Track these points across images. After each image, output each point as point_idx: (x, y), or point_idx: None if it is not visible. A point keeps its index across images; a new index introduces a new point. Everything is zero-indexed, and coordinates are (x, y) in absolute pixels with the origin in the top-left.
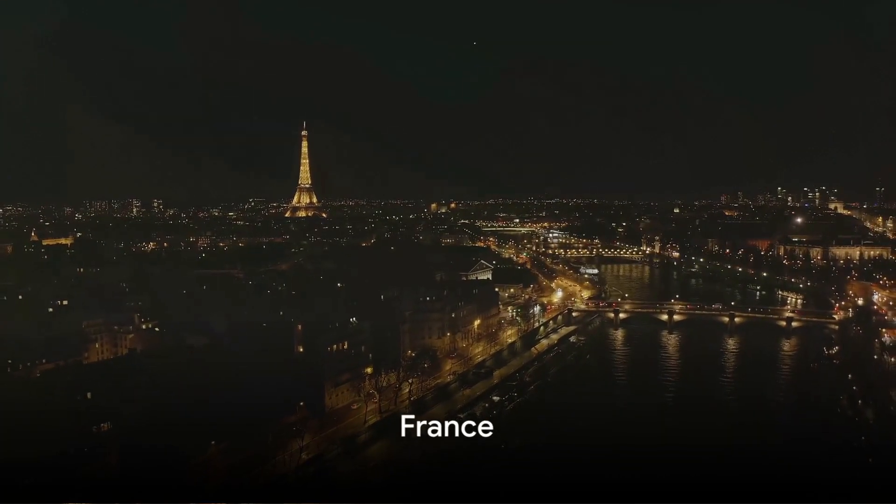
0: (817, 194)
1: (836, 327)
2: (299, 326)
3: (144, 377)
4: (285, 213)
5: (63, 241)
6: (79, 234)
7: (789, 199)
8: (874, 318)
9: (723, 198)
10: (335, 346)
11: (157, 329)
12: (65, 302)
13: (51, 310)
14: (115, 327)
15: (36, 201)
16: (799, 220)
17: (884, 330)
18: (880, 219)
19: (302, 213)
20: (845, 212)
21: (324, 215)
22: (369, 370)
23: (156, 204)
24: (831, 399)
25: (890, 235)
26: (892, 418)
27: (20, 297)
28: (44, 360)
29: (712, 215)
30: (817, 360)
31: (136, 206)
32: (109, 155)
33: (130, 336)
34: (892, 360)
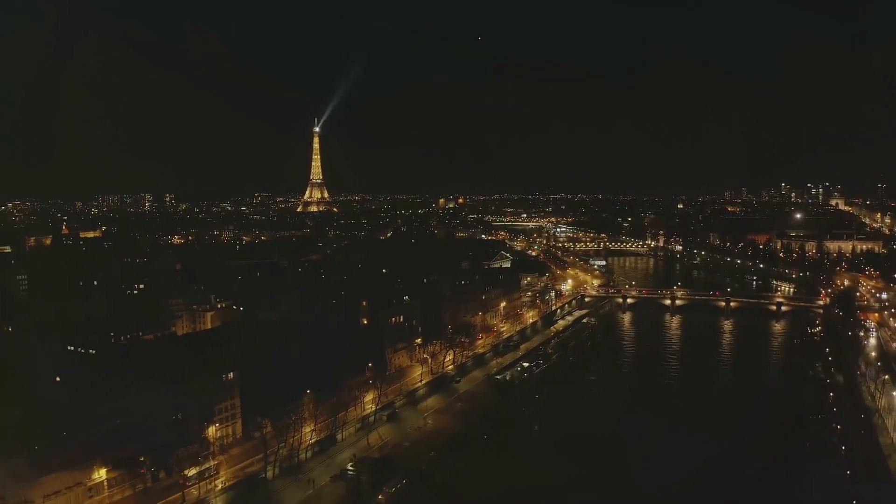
0: (820, 190)
1: (821, 311)
2: (364, 303)
3: (238, 344)
4: (296, 207)
5: (92, 234)
6: (103, 227)
7: (793, 195)
8: (855, 302)
9: (726, 193)
10: (393, 319)
11: (233, 307)
12: (140, 286)
13: (130, 293)
14: (194, 306)
15: (43, 196)
16: (798, 215)
17: (861, 312)
18: (879, 215)
19: (313, 208)
20: (846, 208)
21: (335, 210)
22: (419, 340)
23: (168, 198)
24: (809, 367)
25: (886, 231)
26: (854, 379)
27: (95, 282)
28: (140, 333)
29: (715, 211)
30: (801, 337)
31: (148, 201)
32: (116, 151)
33: (211, 314)
34: (862, 335)
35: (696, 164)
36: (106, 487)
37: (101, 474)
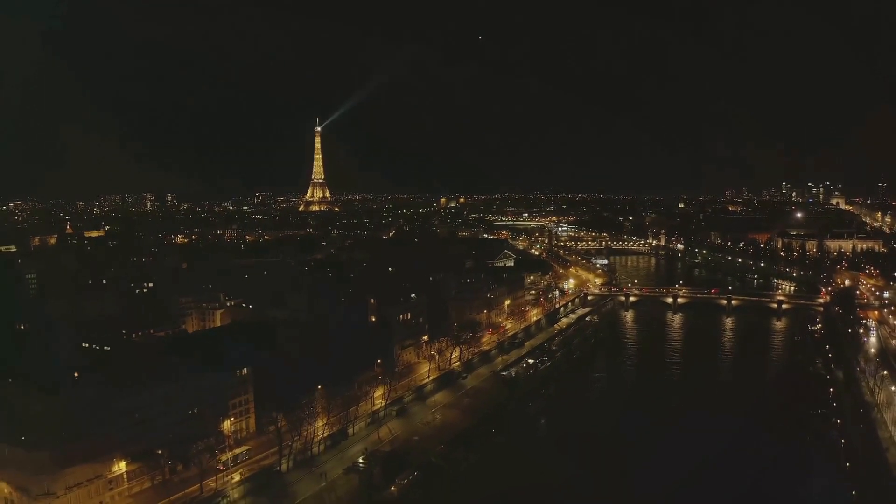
0: (821, 190)
1: (821, 309)
2: (371, 300)
3: (249, 340)
4: (298, 206)
5: (96, 233)
6: (106, 227)
7: (793, 194)
8: (855, 301)
9: (727, 193)
10: (401, 316)
11: (242, 305)
12: (150, 284)
13: (139, 291)
14: (204, 304)
15: (43, 196)
16: (799, 214)
17: (861, 310)
18: (879, 214)
19: (315, 207)
20: (847, 207)
21: (336, 209)
22: (426, 337)
23: (169, 198)
24: (809, 363)
25: (886, 230)
26: (854, 375)
27: (104, 280)
28: (151, 330)
29: (716, 210)
30: (801, 335)
31: (150, 200)
32: (118, 150)
33: (220, 312)
34: (862, 332)
35: (696, 164)
36: (125, 480)
37: (120, 467)
